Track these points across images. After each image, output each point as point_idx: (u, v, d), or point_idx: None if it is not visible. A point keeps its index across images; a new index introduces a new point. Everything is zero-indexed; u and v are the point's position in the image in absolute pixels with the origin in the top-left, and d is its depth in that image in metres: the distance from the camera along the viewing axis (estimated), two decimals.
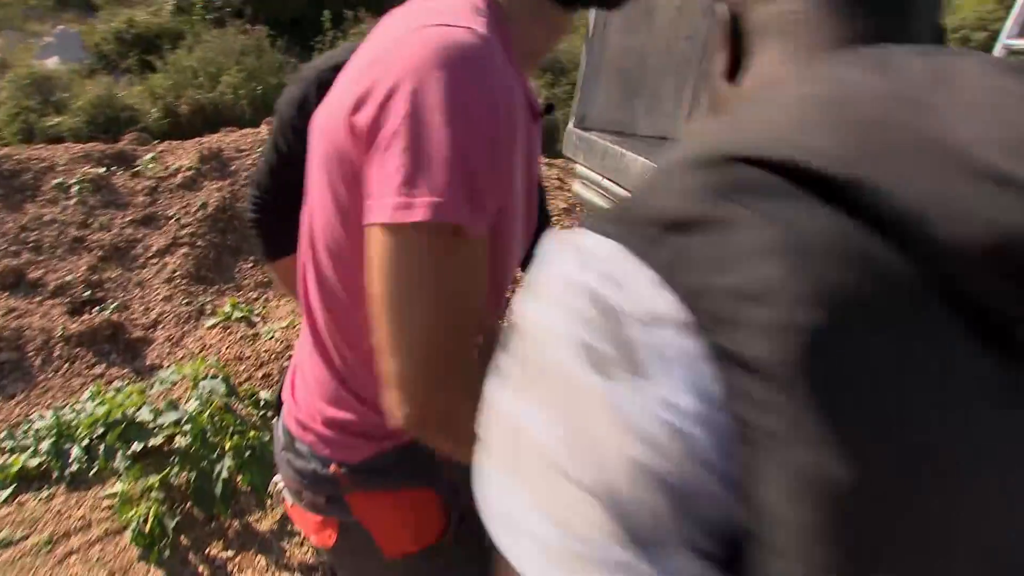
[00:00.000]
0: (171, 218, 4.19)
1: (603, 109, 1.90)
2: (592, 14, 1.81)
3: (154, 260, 3.92)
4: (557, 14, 0.72)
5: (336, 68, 0.85)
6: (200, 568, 1.86)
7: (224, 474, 1.89)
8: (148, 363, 3.15)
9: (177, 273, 3.78)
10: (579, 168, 1.87)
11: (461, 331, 0.62)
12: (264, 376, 2.76)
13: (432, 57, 0.56)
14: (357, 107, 0.59)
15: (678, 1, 1.86)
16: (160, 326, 3.45)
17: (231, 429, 2.01)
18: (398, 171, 0.56)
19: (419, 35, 0.59)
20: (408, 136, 0.56)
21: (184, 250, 3.93)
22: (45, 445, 2.19)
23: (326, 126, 0.66)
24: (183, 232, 4.06)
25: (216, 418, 2.02)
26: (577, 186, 1.89)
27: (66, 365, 3.06)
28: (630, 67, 1.89)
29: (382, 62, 0.59)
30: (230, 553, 1.91)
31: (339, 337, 0.75)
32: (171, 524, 1.86)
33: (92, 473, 2.17)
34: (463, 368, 0.62)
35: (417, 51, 0.57)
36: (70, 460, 2.15)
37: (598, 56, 1.84)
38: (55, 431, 2.21)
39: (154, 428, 2.01)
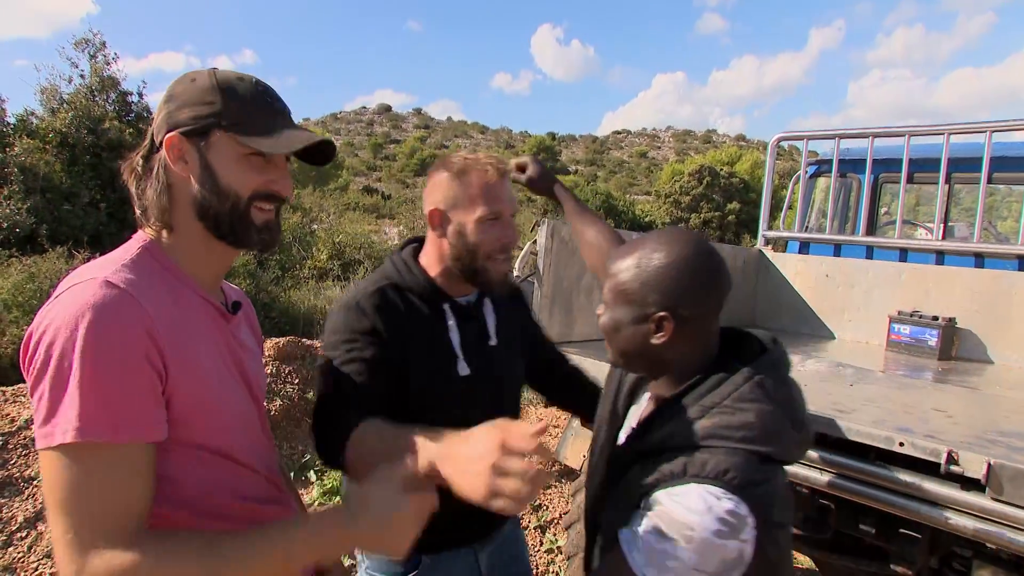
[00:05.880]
0: (34, 479, 3.53)
1: (553, 326, 2.44)
2: (540, 259, 2.34)
3: (22, 534, 3.27)
4: (220, 247, 1.05)
5: None
6: None
7: None
8: None
9: None
10: None
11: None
12: None
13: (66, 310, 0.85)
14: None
15: None
16: None
17: None
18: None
19: (64, 294, 0.88)
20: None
21: None
22: None
23: None
24: None
25: None
26: None
27: None
28: (564, 291, 2.46)
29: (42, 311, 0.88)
30: None
31: None
32: None
33: None
34: None
35: (58, 305, 0.86)
36: None
37: (546, 289, 2.39)
38: None
39: None
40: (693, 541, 0.93)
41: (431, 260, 1.48)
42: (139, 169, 1.03)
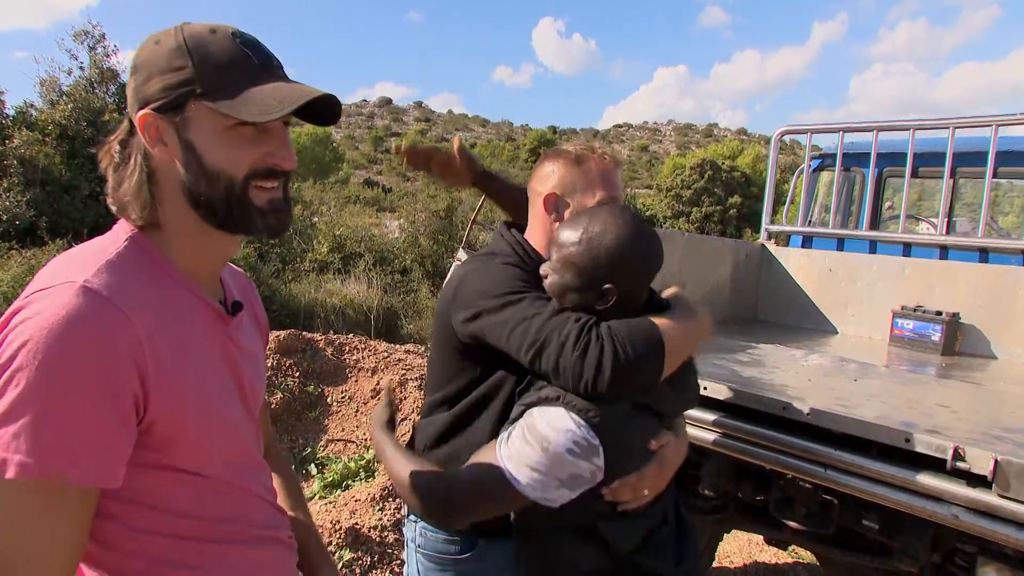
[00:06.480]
0: None
1: None
2: None
3: None
4: (221, 236, 0.90)
5: None
6: None
7: None
8: None
9: None
10: None
11: None
12: None
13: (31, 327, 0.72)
14: None
15: None
16: None
17: None
18: None
19: (26, 304, 0.75)
20: None
21: None
22: None
23: None
24: None
25: None
26: None
27: None
28: None
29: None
30: None
31: None
32: None
33: None
34: None
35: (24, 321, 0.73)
36: None
37: None
38: None
39: None
40: (547, 452, 1.13)
41: (539, 244, 1.52)
42: (116, 157, 0.88)
